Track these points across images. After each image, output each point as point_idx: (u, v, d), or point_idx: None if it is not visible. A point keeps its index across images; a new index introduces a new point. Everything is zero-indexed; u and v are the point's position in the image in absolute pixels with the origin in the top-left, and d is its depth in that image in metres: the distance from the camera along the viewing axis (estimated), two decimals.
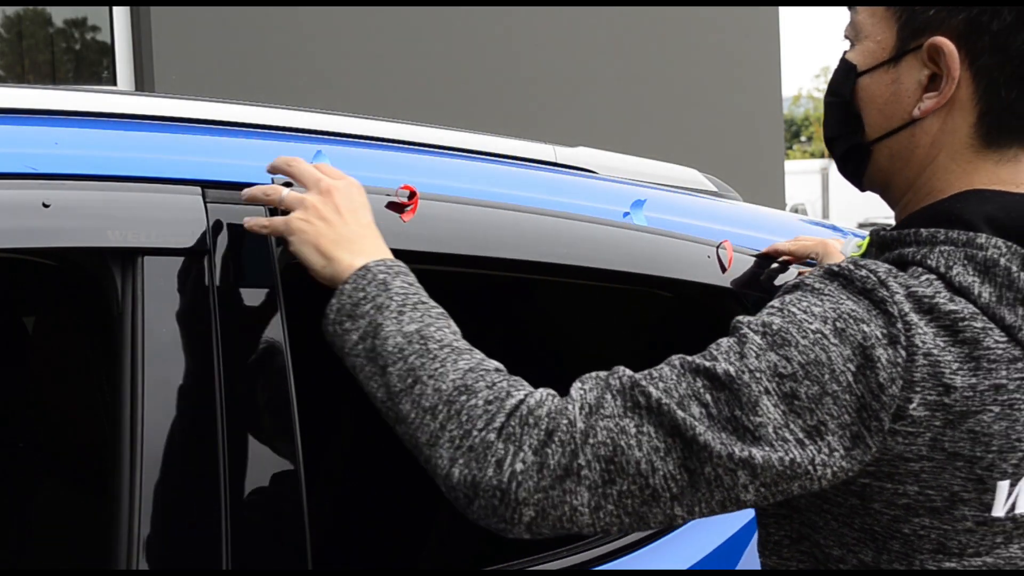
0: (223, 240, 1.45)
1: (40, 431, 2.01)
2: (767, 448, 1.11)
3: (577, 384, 1.19)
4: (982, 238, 1.16)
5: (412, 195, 1.59)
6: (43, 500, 1.98)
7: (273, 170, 1.46)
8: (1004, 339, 1.14)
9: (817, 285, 1.17)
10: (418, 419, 1.19)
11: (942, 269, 1.16)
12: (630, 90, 6.88)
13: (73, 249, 1.39)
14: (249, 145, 1.66)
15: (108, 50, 5.60)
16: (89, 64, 6.15)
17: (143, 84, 5.36)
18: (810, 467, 1.11)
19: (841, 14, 1.35)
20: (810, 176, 25.12)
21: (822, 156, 37.32)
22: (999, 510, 1.16)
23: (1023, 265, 1.15)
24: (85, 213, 1.39)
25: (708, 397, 1.13)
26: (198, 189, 1.47)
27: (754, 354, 1.13)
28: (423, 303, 1.29)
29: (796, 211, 15.27)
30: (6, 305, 2.28)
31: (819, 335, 1.12)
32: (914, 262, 1.18)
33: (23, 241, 1.36)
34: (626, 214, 1.88)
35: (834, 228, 2.43)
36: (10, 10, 6.01)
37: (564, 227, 1.80)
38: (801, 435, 1.11)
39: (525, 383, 1.22)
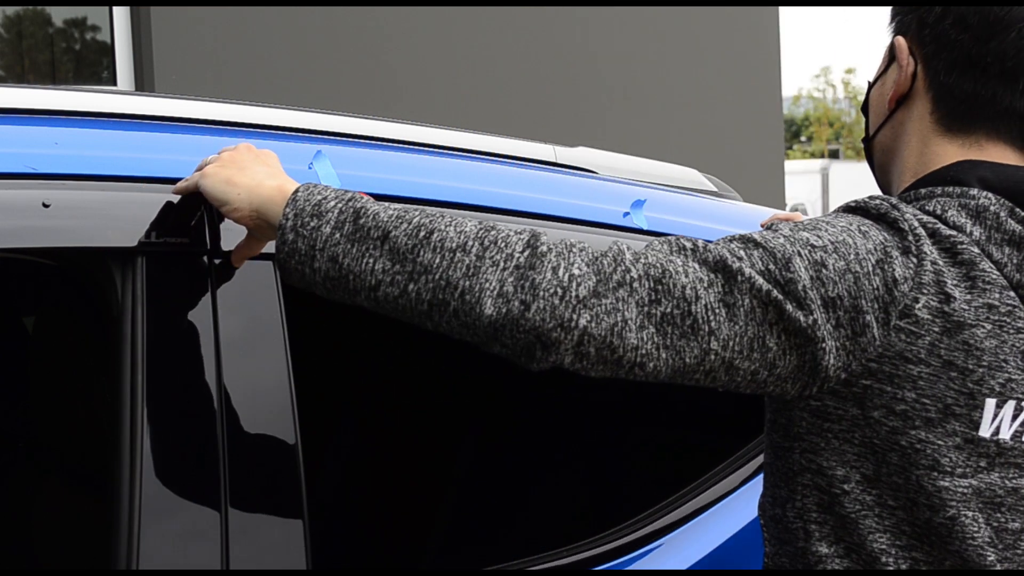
0: (223, 240, 1.45)
1: (40, 431, 2.01)
2: (795, 303, 1.21)
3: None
4: (974, 191, 1.30)
5: None
6: (43, 500, 1.98)
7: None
8: (994, 270, 1.27)
9: (835, 213, 1.32)
10: (447, 259, 1.22)
11: (938, 211, 1.29)
12: (630, 90, 6.88)
13: (73, 249, 1.39)
14: None
15: (108, 50, 5.59)
16: (89, 64, 6.15)
17: (143, 84, 5.36)
18: (820, 333, 1.21)
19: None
20: (810, 176, 25.09)
21: (822, 156, 37.31)
22: (985, 430, 1.26)
23: (1011, 214, 1.29)
24: (85, 213, 1.39)
25: (743, 252, 1.24)
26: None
27: (787, 230, 1.27)
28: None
29: (796, 211, 15.24)
30: (6, 305, 2.28)
31: (846, 229, 1.26)
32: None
33: (23, 241, 1.36)
34: (626, 214, 1.89)
35: None
36: (10, 10, 6.00)
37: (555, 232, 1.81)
38: (822, 302, 1.22)
39: None
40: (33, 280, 2.03)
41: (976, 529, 1.27)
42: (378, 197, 1.60)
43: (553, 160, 2.08)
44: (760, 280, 1.21)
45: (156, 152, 1.53)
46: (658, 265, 1.21)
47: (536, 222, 1.78)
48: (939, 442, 1.25)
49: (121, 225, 1.39)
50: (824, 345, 1.22)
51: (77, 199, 1.39)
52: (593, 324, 1.18)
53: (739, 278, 1.21)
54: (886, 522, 1.29)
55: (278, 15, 5.63)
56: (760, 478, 1.86)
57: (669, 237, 1.27)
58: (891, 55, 1.40)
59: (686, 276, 1.21)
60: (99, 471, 1.56)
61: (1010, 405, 1.26)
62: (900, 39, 1.38)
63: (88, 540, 1.69)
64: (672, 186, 2.23)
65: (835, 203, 24.80)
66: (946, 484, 1.26)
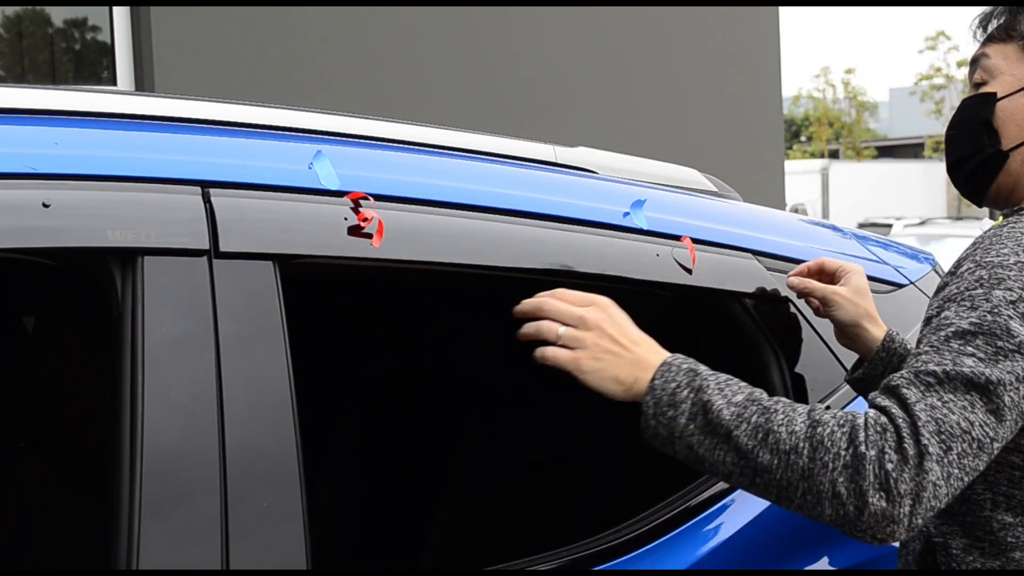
0: (223, 240, 1.45)
1: (40, 431, 2.01)
2: None
3: (875, 393, 1.43)
4: None
5: (357, 205, 1.57)
6: (43, 500, 1.98)
7: (522, 315, 1.53)
8: None
9: (994, 233, 1.50)
10: (783, 461, 1.38)
11: None
12: (630, 90, 6.88)
13: (73, 249, 1.39)
14: (249, 145, 1.66)
15: (108, 50, 5.60)
16: (89, 64, 6.16)
17: (143, 84, 5.36)
18: None
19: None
20: (810, 176, 25.11)
21: (822, 156, 37.31)
22: None
23: None
24: (85, 213, 1.39)
25: (970, 348, 1.39)
26: (198, 189, 1.47)
27: (983, 299, 1.42)
28: (731, 379, 1.46)
29: (796, 211, 15.23)
30: (6, 305, 2.28)
31: (1020, 263, 1.44)
32: None
33: (23, 241, 1.36)
34: (626, 214, 1.88)
35: (834, 228, 2.43)
36: (10, 10, 6.01)
37: (554, 235, 1.80)
38: None
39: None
40: (33, 280, 2.03)
41: None
42: (378, 197, 1.61)
43: (553, 160, 2.08)
44: (1006, 375, 1.38)
45: (156, 152, 1.53)
46: (931, 420, 1.36)
47: (536, 222, 1.78)
48: None
49: (121, 225, 1.40)
50: None
51: (77, 199, 1.39)
52: (916, 504, 1.34)
53: (990, 387, 1.38)
54: None
55: (278, 15, 5.63)
56: None
57: (905, 375, 1.40)
58: None
59: (953, 414, 1.37)
60: (99, 471, 1.56)
61: None
62: None
63: (88, 540, 1.69)
64: (672, 186, 2.23)
65: (835, 203, 24.78)
66: None
